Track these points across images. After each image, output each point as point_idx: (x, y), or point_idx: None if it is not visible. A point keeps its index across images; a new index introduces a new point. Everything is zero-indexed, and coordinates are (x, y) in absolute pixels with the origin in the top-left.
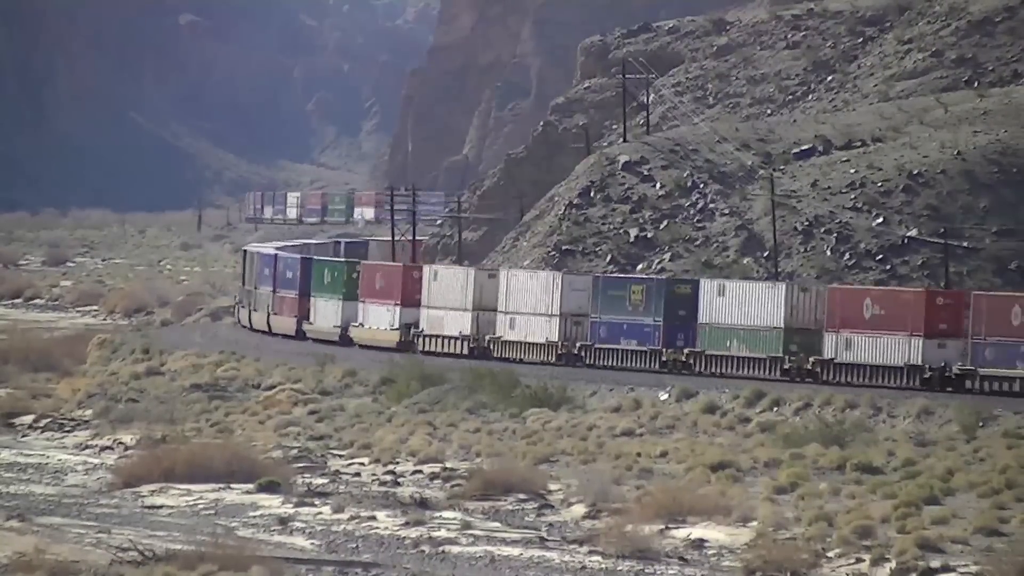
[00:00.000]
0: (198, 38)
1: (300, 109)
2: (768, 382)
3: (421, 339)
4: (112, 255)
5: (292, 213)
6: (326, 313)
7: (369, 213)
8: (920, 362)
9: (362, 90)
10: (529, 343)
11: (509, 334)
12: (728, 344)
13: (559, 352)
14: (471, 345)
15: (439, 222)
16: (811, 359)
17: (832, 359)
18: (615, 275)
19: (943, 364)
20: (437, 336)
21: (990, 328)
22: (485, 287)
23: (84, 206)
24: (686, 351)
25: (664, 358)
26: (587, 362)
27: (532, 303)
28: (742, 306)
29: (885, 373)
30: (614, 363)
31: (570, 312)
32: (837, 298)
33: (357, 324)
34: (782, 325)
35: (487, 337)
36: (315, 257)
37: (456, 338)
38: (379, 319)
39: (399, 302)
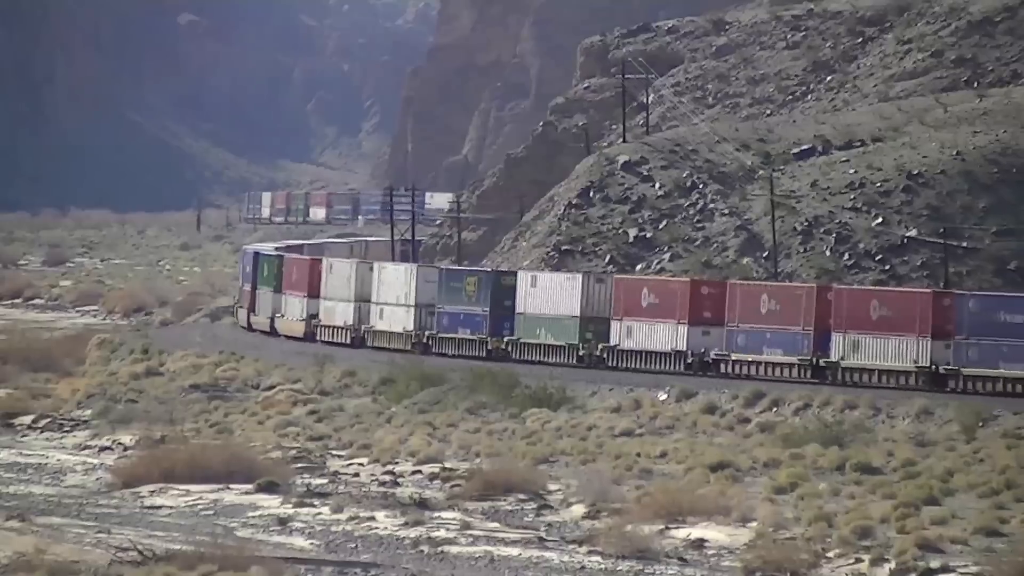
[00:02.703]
0: (198, 38)
1: (300, 109)
2: (567, 368)
3: (319, 329)
4: (112, 255)
5: (265, 212)
6: (264, 305)
7: (321, 213)
8: (685, 348)
9: (362, 90)
10: (392, 332)
11: (379, 324)
12: (538, 333)
13: (412, 341)
14: (352, 335)
15: (439, 222)
16: (600, 346)
17: (616, 346)
18: (456, 267)
19: (703, 350)
20: (330, 326)
21: (743, 316)
22: (365, 279)
23: (84, 206)
24: (506, 339)
25: (489, 347)
26: (433, 351)
27: (395, 294)
28: (549, 296)
29: (656, 358)
30: (451, 351)
31: (424, 303)
32: (621, 288)
33: (280, 315)
34: (579, 314)
35: (363, 327)
36: (262, 252)
37: (342, 328)
38: (293, 310)
39: (307, 293)
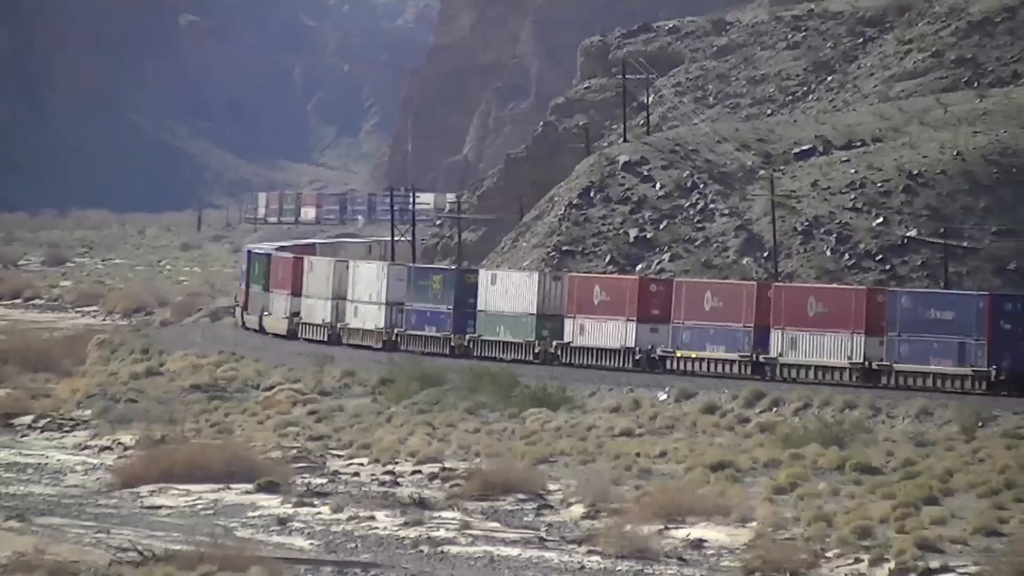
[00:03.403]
0: (198, 38)
1: (300, 109)
2: (524, 364)
3: (300, 326)
4: (112, 255)
5: (262, 212)
6: (255, 303)
7: (311, 213)
8: (633, 345)
9: (362, 90)
10: (366, 330)
11: (353, 321)
12: (497, 330)
13: (383, 339)
14: (328, 332)
15: (439, 222)
16: (554, 343)
17: (570, 343)
18: (424, 266)
19: (650, 346)
20: (309, 324)
21: (688, 312)
22: (342, 277)
23: (84, 206)
24: (468, 337)
25: (452, 344)
26: (401, 348)
27: (368, 292)
28: (507, 294)
29: (607, 355)
30: (417, 348)
31: (394, 301)
32: (575, 286)
33: (268, 313)
34: (535, 311)
35: (339, 325)
36: (254, 250)
37: (320, 325)
38: (279, 307)
39: (291, 292)
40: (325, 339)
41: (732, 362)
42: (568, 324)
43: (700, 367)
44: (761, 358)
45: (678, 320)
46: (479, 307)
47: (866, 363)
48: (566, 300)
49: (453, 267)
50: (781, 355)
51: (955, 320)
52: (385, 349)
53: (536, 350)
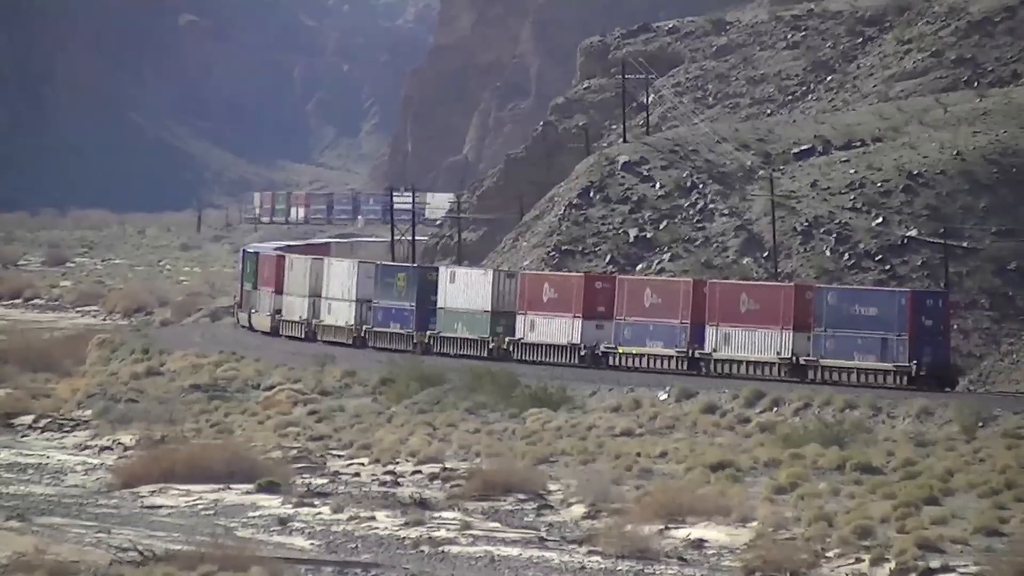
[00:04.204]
0: (198, 38)
1: (300, 109)
2: (479, 360)
3: (281, 324)
4: (112, 255)
5: (257, 212)
6: (246, 301)
7: (301, 213)
8: (579, 341)
9: (362, 90)
10: (337, 327)
11: (327, 318)
12: (456, 326)
13: (352, 335)
14: (305, 329)
15: (439, 222)
16: (507, 339)
17: (521, 339)
18: (390, 263)
19: (596, 343)
20: (289, 321)
21: (629, 309)
22: (319, 275)
23: (84, 206)
24: (428, 334)
25: (415, 341)
26: (369, 345)
27: (339, 290)
28: (465, 291)
29: (555, 351)
30: (383, 345)
31: (363, 298)
32: (526, 283)
33: (255, 311)
34: (490, 308)
35: (313, 322)
36: (247, 249)
37: (298, 322)
38: (264, 305)
39: (274, 290)
40: (302, 336)
41: (670, 358)
42: (519, 321)
43: (640, 363)
44: (696, 353)
45: (620, 317)
46: (439, 304)
47: (794, 358)
48: (518, 297)
49: (415, 266)
50: (715, 351)
51: (878, 316)
52: (355, 346)
53: (490, 346)
